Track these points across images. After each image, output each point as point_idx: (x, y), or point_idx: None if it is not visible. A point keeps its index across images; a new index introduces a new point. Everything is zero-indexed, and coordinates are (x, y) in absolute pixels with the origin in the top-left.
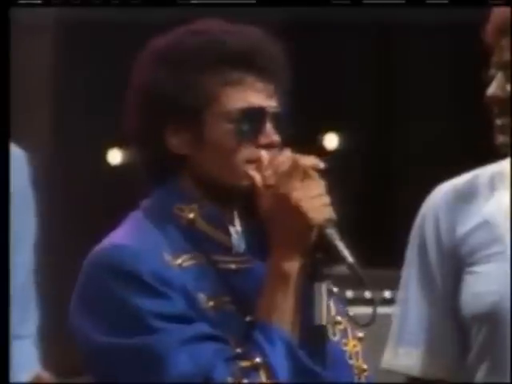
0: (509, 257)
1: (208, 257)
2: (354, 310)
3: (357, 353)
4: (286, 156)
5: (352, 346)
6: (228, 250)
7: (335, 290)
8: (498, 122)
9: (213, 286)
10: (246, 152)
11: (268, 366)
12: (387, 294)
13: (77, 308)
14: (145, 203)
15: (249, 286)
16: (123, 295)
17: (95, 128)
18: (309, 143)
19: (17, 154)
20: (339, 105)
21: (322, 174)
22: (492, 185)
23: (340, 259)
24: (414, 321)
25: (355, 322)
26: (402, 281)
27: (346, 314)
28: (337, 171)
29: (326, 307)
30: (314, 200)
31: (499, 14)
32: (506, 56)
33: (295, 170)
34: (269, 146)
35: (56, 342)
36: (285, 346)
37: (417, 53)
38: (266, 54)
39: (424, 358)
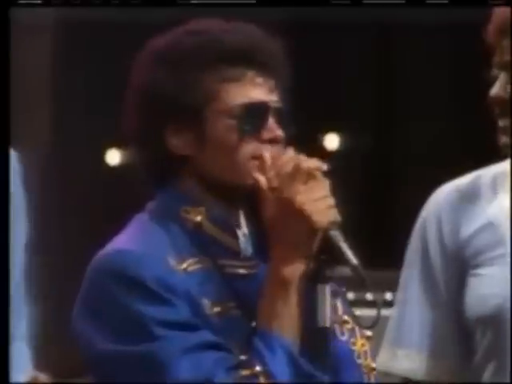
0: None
1: (215, 261)
2: (356, 312)
3: (365, 352)
4: (290, 156)
5: (360, 345)
6: (236, 254)
7: (343, 289)
8: (501, 123)
9: (218, 291)
10: (250, 148)
11: (268, 375)
12: (388, 295)
13: (80, 313)
14: (150, 205)
15: (254, 290)
16: (126, 301)
17: (95, 128)
18: (309, 144)
19: None
20: (339, 105)
21: (324, 175)
22: (495, 186)
23: (344, 261)
24: (415, 323)
25: (358, 323)
26: (401, 282)
27: (352, 314)
28: (337, 172)
29: (333, 307)
30: (318, 203)
31: (500, 14)
32: (508, 56)
33: (298, 173)
34: (272, 141)
35: (54, 343)
36: (285, 354)
37: (417, 53)
38: (265, 50)
39: (428, 361)
